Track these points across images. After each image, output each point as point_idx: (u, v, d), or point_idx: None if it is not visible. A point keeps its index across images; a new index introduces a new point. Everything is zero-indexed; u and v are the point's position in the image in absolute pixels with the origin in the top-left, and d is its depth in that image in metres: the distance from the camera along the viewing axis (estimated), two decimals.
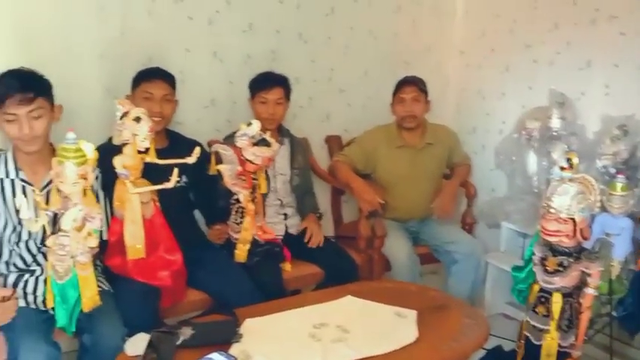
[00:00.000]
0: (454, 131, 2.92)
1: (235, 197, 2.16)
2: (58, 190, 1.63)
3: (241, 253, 2.17)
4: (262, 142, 2.13)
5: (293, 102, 2.60)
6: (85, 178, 1.61)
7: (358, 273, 2.42)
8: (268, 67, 2.60)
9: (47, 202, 1.68)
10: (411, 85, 2.67)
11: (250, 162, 2.12)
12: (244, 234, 2.16)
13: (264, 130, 2.17)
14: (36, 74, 1.81)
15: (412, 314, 1.87)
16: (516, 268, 1.92)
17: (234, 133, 2.44)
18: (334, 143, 2.98)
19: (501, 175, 2.91)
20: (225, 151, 2.12)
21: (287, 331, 1.76)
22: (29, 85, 1.75)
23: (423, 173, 2.72)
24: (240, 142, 2.11)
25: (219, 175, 2.13)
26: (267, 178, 2.33)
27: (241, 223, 2.15)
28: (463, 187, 2.87)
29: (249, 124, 2.12)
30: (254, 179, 2.16)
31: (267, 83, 2.45)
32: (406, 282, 2.37)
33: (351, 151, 2.74)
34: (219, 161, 2.13)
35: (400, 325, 1.82)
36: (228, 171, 2.10)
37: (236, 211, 2.17)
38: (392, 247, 2.53)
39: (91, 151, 1.62)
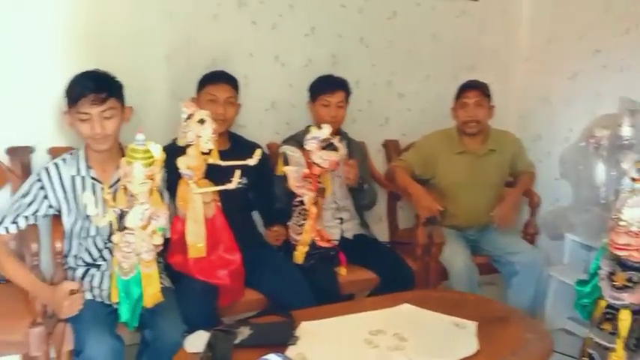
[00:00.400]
0: (518, 138, 2.83)
1: (299, 199, 2.17)
2: (126, 189, 1.69)
3: (300, 254, 2.19)
4: (330, 147, 2.14)
5: (352, 106, 2.60)
6: (152, 179, 1.66)
7: (414, 281, 2.38)
8: (328, 70, 2.60)
9: (115, 199, 1.74)
10: (475, 89, 2.61)
11: (317, 165, 2.13)
12: (305, 236, 2.17)
13: (333, 134, 2.17)
14: (109, 76, 1.88)
15: (472, 325, 1.82)
16: (580, 282, 1.85)
17: (293, 136, 2.48)
18: (392, 148, 2.96)
19: (566, 184, 2.80)
20: (294, 153, 2.14)
21: (343, 336, 1.76)
22: (102, 85, 1.82)
23: (484, 180, 2.65)
24: (310, 144, 2.12)
25: (283, 177, 2.15)
26: None
27: (303, 225, 2.17)
28: (526, 195, 2.78)
29: (320, 128, 2.13)
30: (319, 182, 2.17)
31: (331, 87, 2.46)
32: (465, 292, 2.31)
33: (410, 156, 2.70)
34: (285, 163, 2.16)
35: (459, 336, 1.78)
36: (293, 173, 2.12)
37: (299, 213, 2.19)
38: (450, 256, 2.48)
39: (158, 153, 1.67)
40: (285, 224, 2.28)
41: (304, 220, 2.17)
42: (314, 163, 2.13)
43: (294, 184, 2.14)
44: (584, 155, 2.64)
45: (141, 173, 1.63)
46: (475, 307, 2.00)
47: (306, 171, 2.14)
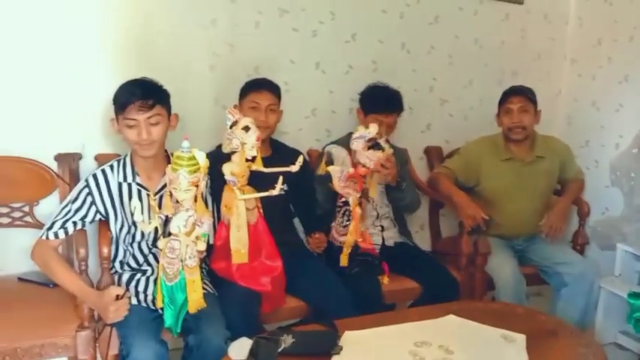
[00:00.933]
0: (567, 144, 2.74)
1: (343, 200, 2.15)
2: (171, 196, 1.70)
3: (344, 257, 2.18)
4: (376, 147, 2.11)
5: None
6: (197, 186, 1.67)
7: (459, 291, 2.32)
8: (369, 77, 2.58)
9: (160, 206, 1.76)
10: (519, 94, 2.54)
11: (363, 165, 2.11)
12: (349, 238, 2.16)
13: (379, 135, 2.15)
14: (156, 84, 1.90)
15: (521, 338, 1.76)
16: (633, 295, 1.79)
17: (335, 142, 2.46)
18: (434, 154, 2.91)
19: (617, 192, 2.71)
20: (340, 152, 2.12)
21: (387, 347, 1.72)
22: (149, 92, 1.84)
23: (532, 188, 2.57)
24: (356, 144, 2.11)
25: (326, 177, 2.13)
26: None
27: (347, 226, 2.15)
28: (575, 204, 2.69)
29: (367, 127, 2.11)
30: (363, 183, 2.15)
31: (387, 108, 2.41)
32: (512, 303, 2.24)
33: (453, 163, 2.64)
34: (329, 163, 2.14)
35: (508, 350, 1.71)
36: (338, 173, 2.11)
37: (343, 214, 2.17)
38: (496, 266, 2.41)
39: (203, 159, 1.67)
40: (326, 231, 2.26)
41: (348, 221, 2.15)
42: (359, 162, 2.10)
43: (338, 184, 2.11)
44: (636, 162, 2.56)
45: (186, 180, 1.64)
46: (523, 320, 1.93)
47: (352, 171, 2.11)
